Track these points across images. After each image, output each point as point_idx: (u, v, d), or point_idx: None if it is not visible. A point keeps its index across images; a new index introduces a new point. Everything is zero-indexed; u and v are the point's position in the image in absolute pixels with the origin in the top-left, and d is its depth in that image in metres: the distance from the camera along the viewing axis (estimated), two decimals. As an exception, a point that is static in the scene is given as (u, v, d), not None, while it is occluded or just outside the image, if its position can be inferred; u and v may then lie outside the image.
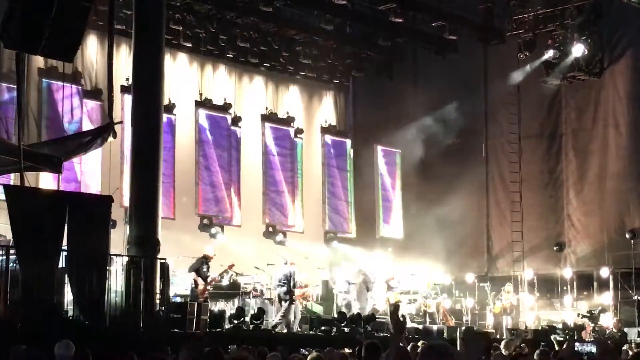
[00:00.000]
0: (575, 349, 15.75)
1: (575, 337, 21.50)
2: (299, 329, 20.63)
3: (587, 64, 25.79)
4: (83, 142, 17.64)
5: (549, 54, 25.51)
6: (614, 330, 22.43)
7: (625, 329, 22.48)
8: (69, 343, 9.35)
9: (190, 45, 24.81)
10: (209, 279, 20.48)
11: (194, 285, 20.25)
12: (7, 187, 15.71)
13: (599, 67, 26.08)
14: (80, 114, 22.58)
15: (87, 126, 21.82)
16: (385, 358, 7.88)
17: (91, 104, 22.98)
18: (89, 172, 22.43)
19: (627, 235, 25.12)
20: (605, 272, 24.98)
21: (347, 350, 12.23)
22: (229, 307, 20.65)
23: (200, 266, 20.35)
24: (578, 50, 25.27)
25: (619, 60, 25.97)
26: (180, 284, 20.98)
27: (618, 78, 25.98)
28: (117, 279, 16.15)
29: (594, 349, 17.08)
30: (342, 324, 20.06)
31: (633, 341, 20.93)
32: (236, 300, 21.16)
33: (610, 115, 26.03)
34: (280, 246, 25.95)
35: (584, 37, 25.42)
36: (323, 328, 19.97)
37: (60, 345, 9.26)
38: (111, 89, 17.43)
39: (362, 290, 23.19)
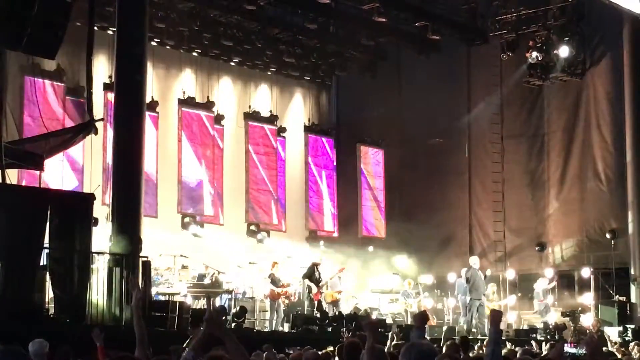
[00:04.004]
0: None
1: (557, 337, 21.57)
2: (281, 328, 20.66)
3: (570, 64, 25.90)
4: (64, 139, 17.58)
5: (532, 54, 25.58)
6: (593, 330, 22.51)
7: (606, 329, 22.54)
8: (43, 341, 9.30)
9: (173, 43, 24.75)
10: (321, 284, 21.97)
11: (308, 291, 21.89)
12: (-12, 185, 15.63)
13: (581, 68, 26.20)
14: (62, 111, 22.49)
15: (68, 123, 21.73)
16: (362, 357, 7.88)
17: (73, 101, 22.87)
18: (71, 170, 22.33)
19: (608, 236, 25.24)
20: (586, 272, 25.07)
21: (329, 348, 12.25)
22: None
23: (312, 273, 21.90)
24: (564, 51, 25.37)
25: (600, 62, 26.10)
26: (163, 283, 20.97)
27: (599, 79, 26.11)
28: (99, 277, 16.10)
29: (574, 350, 17.15)
30: (325, 323, 20.06)
31: (615, 342, 21.02)
32: (218, 299, 21.14)
33: (592, 116, 26.15)
34: (261, 244, 26.00)
35: (566, 38, 25.52)
36: (305, 327, 19.95)
37: (34, 343, 9.21)
38: (90, 86, 17.37)
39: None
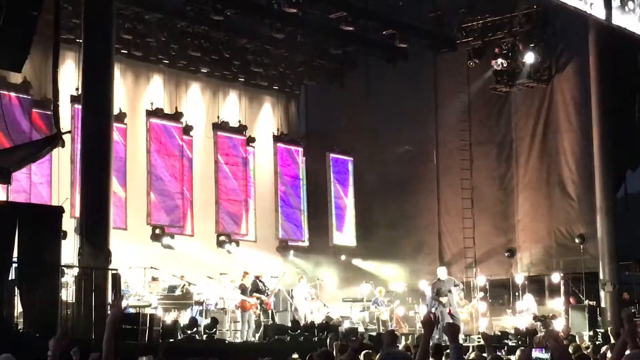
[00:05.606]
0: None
1: (528, 342, 21.64)
2: (253, 339, 20.61)
3: (536, 71, 26.11)
4: (31, 152, 17.46)
5: (497, 61, 25.74)
6: (563, 335, 22.59)
7: (576, 334, 22.63)
8: (10, 356, 9.19)
9: (140, 54, 24.63)
10: (269, 291, 22.19)
11: (260, 302, 21.64)
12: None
13: (547, 75, 26.41)
14: (29, 123, 22.33)
15: (35, 136, 21.58)
16: None
17: (40, 114, 22.71)
18: (39, 183, 22.16)
19: (577, 240, 25.40)
20: (556, 277, 25.22)
21: (294, 356, 12.27)
22: (181, 318, 20.50)
23: (257, 287, 21.77)
24: (529, 58, 25.58)
25: (565, 68, 26.33)
26: (133, 295, 20.84)
27: (565, 85, 26.33)
28: (68, 290, 15.99)
29: (545, 355, 17.19)
30: (296, 332, 20.02)
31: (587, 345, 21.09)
32: (189, 311, 21.05)
33: (559, 122, 26.35)
34: (231, 255, 25.89)
35: (532, 45, 25.71)
36: (277, 337, 19.90)
37: (1, 358, 9.11)
38: (57, 98, 17.24)
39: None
